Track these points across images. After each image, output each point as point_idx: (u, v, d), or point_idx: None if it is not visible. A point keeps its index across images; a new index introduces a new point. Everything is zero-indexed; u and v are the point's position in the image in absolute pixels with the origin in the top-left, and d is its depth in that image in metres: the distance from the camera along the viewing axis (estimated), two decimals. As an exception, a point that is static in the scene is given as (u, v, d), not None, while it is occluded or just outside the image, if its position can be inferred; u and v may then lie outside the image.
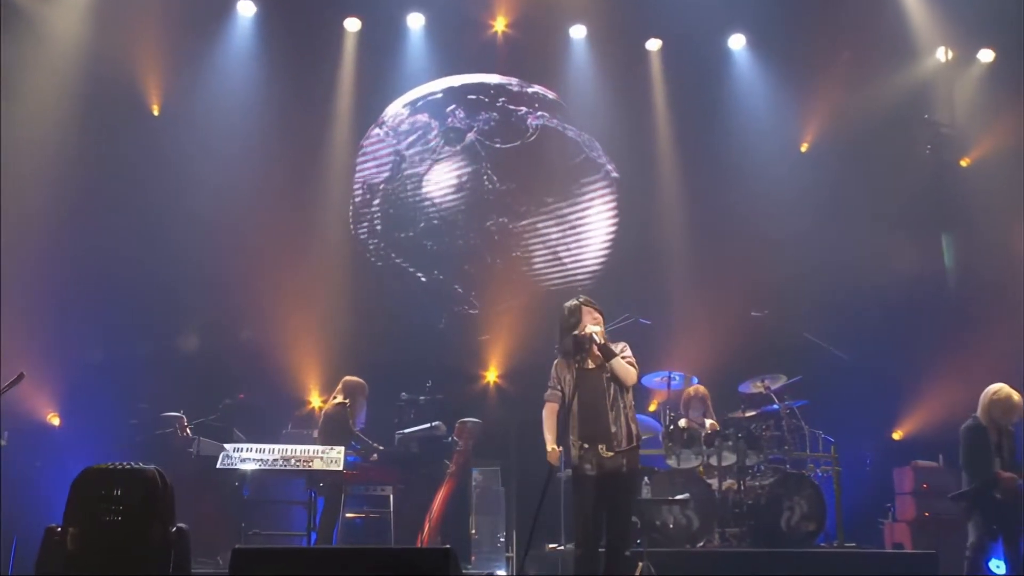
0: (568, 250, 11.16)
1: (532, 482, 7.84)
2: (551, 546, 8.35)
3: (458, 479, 8.70)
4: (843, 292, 10.20)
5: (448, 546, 4.15)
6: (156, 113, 10.35)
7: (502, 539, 8.85)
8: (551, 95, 11.31)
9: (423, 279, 10.91)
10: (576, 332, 5.75)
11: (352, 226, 11.05)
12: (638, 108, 11.20)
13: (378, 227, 11.04)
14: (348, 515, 8.06)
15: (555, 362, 5.89)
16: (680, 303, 10.56)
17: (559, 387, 5.80)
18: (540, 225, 11.14)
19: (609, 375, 5.66)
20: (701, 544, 7.87)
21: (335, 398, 8.24)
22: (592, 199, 11.25)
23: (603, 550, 5.65)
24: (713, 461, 8.23)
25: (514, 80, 11.31)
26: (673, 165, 11.19)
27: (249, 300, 10.00)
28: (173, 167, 10.09)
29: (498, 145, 11.16)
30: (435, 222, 11.05)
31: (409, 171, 11.09)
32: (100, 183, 9.77)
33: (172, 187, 10.00)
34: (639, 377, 5.95)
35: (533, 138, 11.21)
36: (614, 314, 8.33)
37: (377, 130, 11.14)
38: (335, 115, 10.87)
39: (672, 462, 8.25)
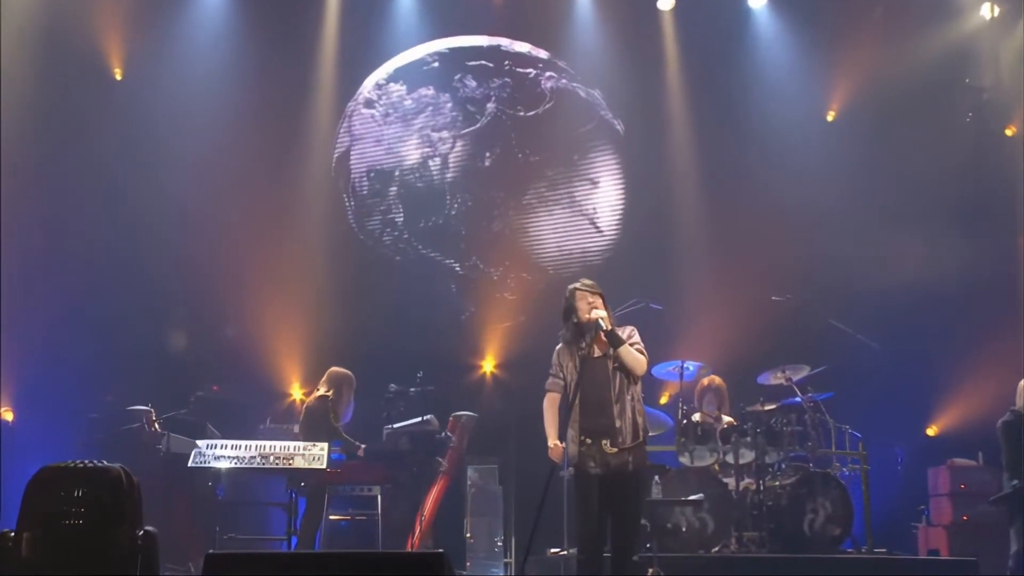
0: (573, 226, 11.15)
1: (532, 481, 7.82)
2: (553, 550, 8.36)
3: (452, 478, 8.73)
4: (873, 274, 10.17)
5: (441, 550, 4.15)
6: (119, 78, 10.30)
7: (499, 543, 8.87)
8: (543, 54, 11.27)
9: (458, 269, 10.86)
10: (575, 319, 5.75)
11: (354, 220, 10.99)
12: (648, 74, 11.17)
13: (397, 218, 10.97)
14: (332, 517, 8.07)
15: (556, 348, 5.89)
16: (694, 286, 10.56)
17: (561, 375, 5.80)
18: (549, 200, 11.14)
19: (615, 364, 5.66)
20: (716, 549, 7.89)
21: (318, 390, 8.25)
22: (599, 172, 11.24)
23: (609, 555, 5.66)
24: (729, 458, 8.24)
25: (504, 41, 11.25)
26: (687, 136, 11.15)
27: (224, 284, 10.00)
28: (138, 139, 10.06)
29: (521, 113, 11.13)
30: (469, 204, 11.01)
31: (429, 151, 11.05)
32: (57, 154, 9.75)
33: (138, 160, 9.98)
34: (649, 367, 5.95)
35: (551, 103, 11.18)
36: (622, 298, 8.33)
37: (368, 111, 11.06)
38: (317, 83, 10.85)
39: (685, 459, 8.27)
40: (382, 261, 10.90)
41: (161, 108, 10.17)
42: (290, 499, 7.51)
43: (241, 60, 10.45)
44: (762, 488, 8.11)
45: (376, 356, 9.64)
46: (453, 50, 11.18)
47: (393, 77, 11.10)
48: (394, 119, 11.10)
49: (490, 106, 11.02)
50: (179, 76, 10.26)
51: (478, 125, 11.03)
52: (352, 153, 11.11)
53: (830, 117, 11.23)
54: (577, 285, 5.87)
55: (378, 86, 11.11)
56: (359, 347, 9.72)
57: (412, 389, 8.78)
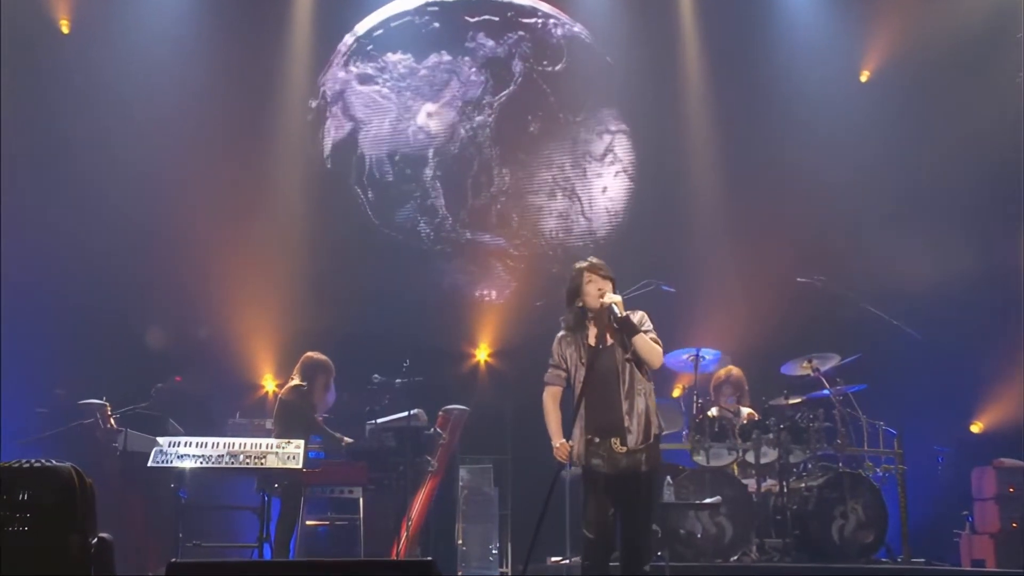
0: (577, 198, 11.13)
1: (531, 482, 7.87)
2: (554, 559, 8.39)
3: (442, 478, 8.75)
4: (912, 253, 10.16)
5: (430, 559, 4.15)
6: (66, 31, 10.23)
7: (495, 551, 8.89)
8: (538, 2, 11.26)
9: (515, 252, 10.83)
10: (581, 303, 5.73)
11: (375, 213, 10.88)
12: (661, 28, 11.15)
13: (438, 204, 10.90)
14: (309, 522, 8.09)
15: (557, 336, 5.86)
16: (711, 265, 10.56)
17: (562, 366, 5.78)
18: (565, 166, 11.13)
19: (627, 354, 5.64)
20: (735, 558, 7.91)
21: (292, 380, 8.24)
22: (607, 136, 11.21)
23: (616, 564, 5.67)
24: (750, 458, 8.26)
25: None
26: (704, 99, 11.14)
27: (188, 263, 9.96)
28: (90, 102, 9.99)
29: (549, 68, 11.10)
30: (520, 176, 10.99)
31: (465, 125, 10.97)
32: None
33: (90, 126, 9.90)
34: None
35: (566, 56, 11.18)
36: (631, 278, 8.31)
37: (368, 87, 10.92)
38: (290, 43, 10.78)
39: (700, 459, 8.28)
40: (361, 238, 10.85)
41: (114, 67, 10.09)
42: (262, 502, 7.49)
43: (206, 11, 10.37)
44: (786, 490, 8.13)
45: (357, 343, 9.64)
46: (443, 5, 11.11)
47: (388, 45, 10.98)
48: (409, 94, 10.99)
49: (516, 64, 10.99)
50: (134, 29, 10.19)
51: (511, 87, 10.98)
52: (361, 139, 10.97)
53: (864, 78, 11.19)
54: (585, 265, 5.81)
55: (370, 57, 10.97)
56: (338, 333, 9.70)
57: (398, 380, 8.77)
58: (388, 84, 11.01)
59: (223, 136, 10.39)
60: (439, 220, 10.94)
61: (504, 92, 11.00)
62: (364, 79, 11.03)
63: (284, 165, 10.79)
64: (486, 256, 10.93)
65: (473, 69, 11.01)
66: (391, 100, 11.02)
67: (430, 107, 11.01)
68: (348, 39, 11.02)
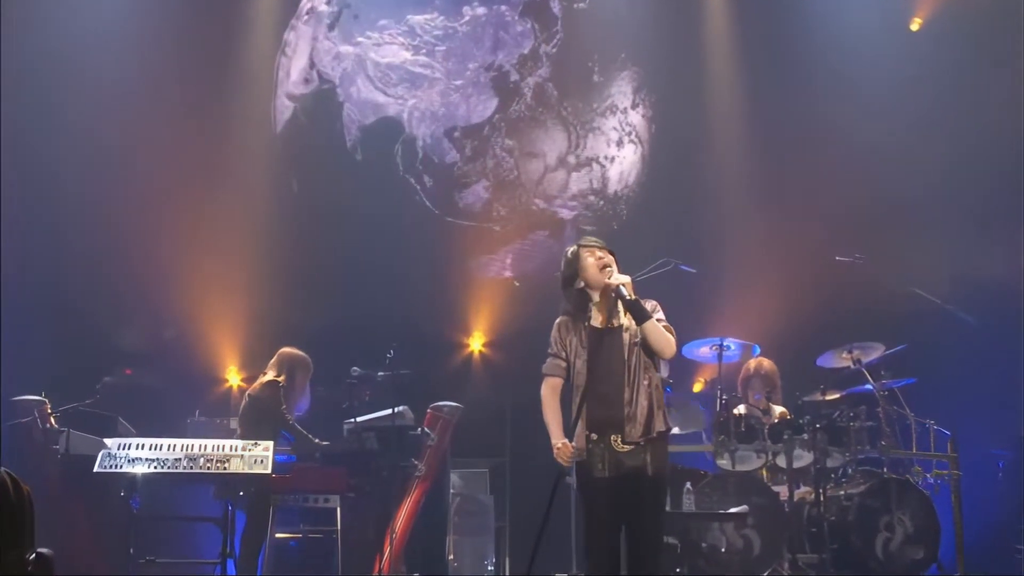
0: (584, 166, 11.13)
1: (532, 489, 7.86)
2: (558, 575, 8.43)
3: (431, 485, 8.75)
4: (967, 228, 10.15)
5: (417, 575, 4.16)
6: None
7: (491, 567, 8.92)
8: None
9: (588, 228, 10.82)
10: (581, 282, 5.74)
11: (432, 201, 10.85)
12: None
13: (509, 176, 10.90)
14: (279, 535, 8.09)
15: (557, 321, 5.88)
16: (737, 243, 10.57)
17: (562, 354, 5.79)
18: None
19: (636, 339, 5.65)
20: (766, 574, 7.93)
21: (265, 375, 8.25)
22: (617, 95, 11.20)
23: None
24: (781, 461, 8.26)
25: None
26: (729, 51, 11.13)
27: (140, 241, 9.97)
28: (34, 67, 9.94)
29: (583, 6, 11.13)
30: (601, 134, 11.04)
31: (528, 80, 10.97)
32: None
33: (32, 90, 9.87)
34: (678, 347, 5.94)
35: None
36: (645, 258, 8.31)
37: (395, 59, 10.90)
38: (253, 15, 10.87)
39: (724, 462, 8.29)
40: (337, 211, 10.83)
41: (65, 29, 10.08)
42: (225, 512, 7.49)
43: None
44: (822, 499, 8.13)
45: (334, 330, 9.66)
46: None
47: (405, 7, 10.97)
48: (455, 59, 10.97)
49: (554, 5, 11.02)
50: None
51: (560, 33, 10.99)
52: (416, 122, 10.93)
53: (915, 26, 11.14)
54: (582, 242, 5.86)
55: (377, 27, 10.91)
56: (312, 320, 9.73)
57: (380, 373, 8.79)
58: (424, 51, 10.98)
59: (182, 113, 10.41)
60: (518, 194, 10.97)
61: (555, 41, 11.02)
62: (386, 50, 10.96)
63: (245, 140, 10.79)
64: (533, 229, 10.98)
65: (515, 18, 11.00)
66: (434, 68, 10.98)
67: (474, 70, 10.98)
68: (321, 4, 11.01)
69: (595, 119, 11.10)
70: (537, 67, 11.03)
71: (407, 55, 10.96)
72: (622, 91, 11.15)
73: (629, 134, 11.09)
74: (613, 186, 11.07)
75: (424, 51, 10.98)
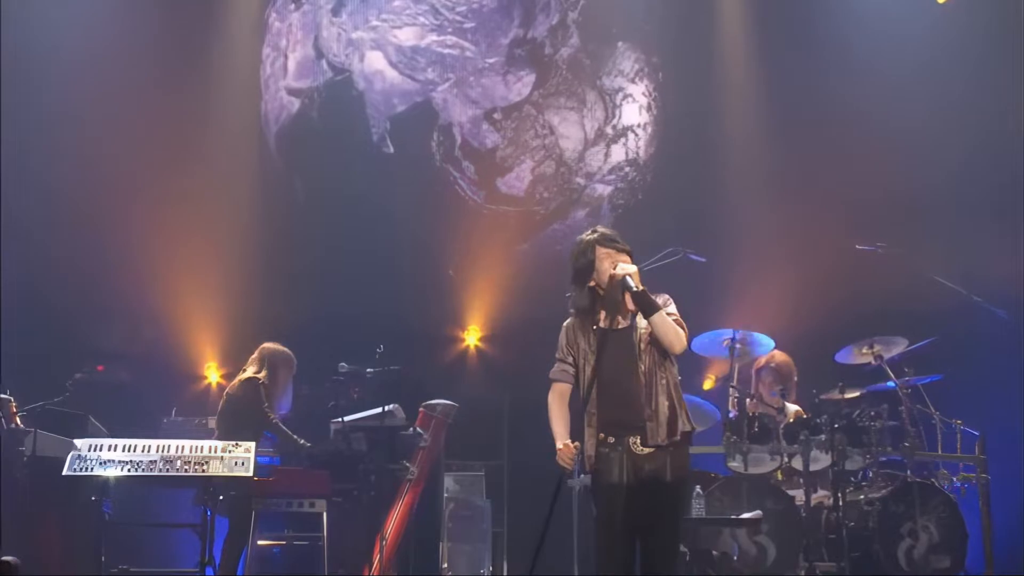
0: (620, 137, 11.15)
1: (531, 493, 7.86)
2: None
3: (423, 488, 8.77)
4: (998, 216, 10.14)
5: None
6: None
7: (487, 575, 8.94)
8: None
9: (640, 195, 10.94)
10: (594, 284, 5.72)
11: (473, 190, 10.85)
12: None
13: (553, 151, 10.87)
14: (261, 542, 8.11)
15: (565, 324, 5.86)
16: (750, 230, 10.56)
17: (570, 359, 5.78)
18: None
19: (647, 338, 5.65)
20: (780, 584, 7.94)
21: (245, 371, 8.26)
22: (621, 72, 11.20)
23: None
24: (797, 463, 8.25)
25: None
26: (742, 23, 11.13)
27: (112, 229, 9.98)
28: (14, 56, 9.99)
29: None
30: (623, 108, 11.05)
31: (561, 51, 11.00)
32: None
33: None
34: (688, 341, 5.93)
35: None
36: (653, 246, 8.30)
37: (420, 42, 10.87)
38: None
39: (736, 464, 8.27)
40: (323, 196, 10.84)
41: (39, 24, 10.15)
42: (204, 518, 7.49)
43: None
44: (841, 503, 8.12)
45: (320, 324, 9.66)
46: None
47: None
48: (484, 36, 10.95)
49: None
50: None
51: None
52: (452, 109, 10.92)
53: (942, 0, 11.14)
54: (595, 236, 5.79)
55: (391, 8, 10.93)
56: (296, 314, 9.73)
57: (369, 369, 8.81)
58: (450, 30, 10.95)
59: (160, 107, 10.44)
60: (564, 171, 10.99)
61: (579, 5, 11.06)
62: (408, 32, 10.95)
63: (227, 135, 10.80)
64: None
65: None
66: (464, 47, 10.96)
67: (502, 41, 10.97)
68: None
69: (627, 86, 11.11)
70: (568, 37, 11.03)
71: (433, 36, 10.94)
72: (639, 58, 11.16)
73: (656, 100, 11.11)
74: (644, 153, 11.06)
75: (450, 30, 10.96)
